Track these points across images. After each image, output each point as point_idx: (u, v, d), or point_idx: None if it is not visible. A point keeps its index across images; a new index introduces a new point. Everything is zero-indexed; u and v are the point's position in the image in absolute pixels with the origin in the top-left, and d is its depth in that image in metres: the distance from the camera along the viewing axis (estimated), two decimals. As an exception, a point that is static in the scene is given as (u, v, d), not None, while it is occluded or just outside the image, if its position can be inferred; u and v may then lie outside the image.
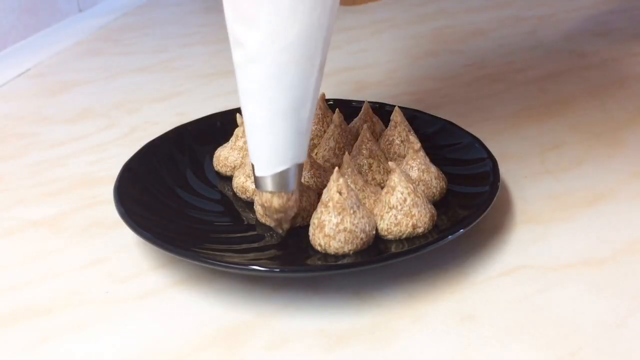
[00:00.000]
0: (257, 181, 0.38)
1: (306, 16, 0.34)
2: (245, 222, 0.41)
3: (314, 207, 0.39)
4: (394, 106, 0.48)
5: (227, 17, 0.35)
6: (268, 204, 0.38)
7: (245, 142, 0.45)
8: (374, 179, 0.43)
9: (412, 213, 0.38)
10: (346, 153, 0.41)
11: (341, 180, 0.37)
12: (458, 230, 0.37)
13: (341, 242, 0.36)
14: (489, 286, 0.36)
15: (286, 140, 0.36)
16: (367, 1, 0.94)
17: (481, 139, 0.46)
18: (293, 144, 0.36)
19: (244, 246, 0.38)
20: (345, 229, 0.36)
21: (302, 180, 0.42)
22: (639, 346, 0.32)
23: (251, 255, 0.37)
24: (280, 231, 0.39)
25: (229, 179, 0.46)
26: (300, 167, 0.38)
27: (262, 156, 0.37)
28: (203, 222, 0.41)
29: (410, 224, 0.38)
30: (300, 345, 0.33)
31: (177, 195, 0.44)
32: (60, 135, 0.58)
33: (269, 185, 0.37)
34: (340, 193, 0.37)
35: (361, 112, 0.48)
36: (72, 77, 0.73)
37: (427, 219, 0.38)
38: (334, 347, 0.33)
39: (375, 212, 0.39)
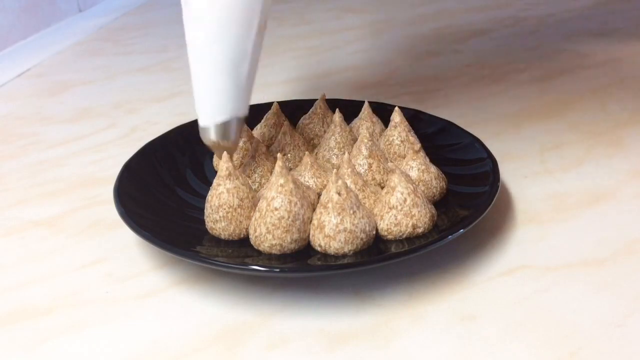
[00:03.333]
0: (201, 132, 0.41)
1: None
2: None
3: (314, 207, 0.39)
4: (394, 106, 0.48)
5: None
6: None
7: (245, 142, 0.45)
8: (374, 179, 0.43)
9: (412, 213, 0.38)
10: (346, 153, 0.41)
11: (340, 181, 0.37)
12: (458, 230, 0.37)
13: (341, 243, 0.36)
14: (489, 286, 0.36)
15: (226, 93, 0.40)
16: None
17: (481, 139, 0.46)
18: (233, 97, 0.40)
19: (244, 246, 0.38)
20: (345, 229, 0.36)
21: (302, 180, 0.42)
22: (639, 346, 0.32)
23: (251, 255, 0.37)
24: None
25: (229, 179, 0.46)
26: (240, 121, 0.41)
27: (205, 107, 0.40)
28: (203, 222, 0.41)
29: (410, 224, 0.38)
30: (300, 345, 0.33)
31: (177, 195, 0.44)
32: (60, 135, 0.58)
33: (212, 135, 0.40)
34: (339, 194, 0.37)
35: (361, 112, 0.48)
36: (72, 77, 0.73)
37: (427, 219, 0.38)
38: (334, 347, 0.33)
39: (375, 212, 0.39)
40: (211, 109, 0.40)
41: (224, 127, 0.40)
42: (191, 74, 0.40)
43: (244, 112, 0.41)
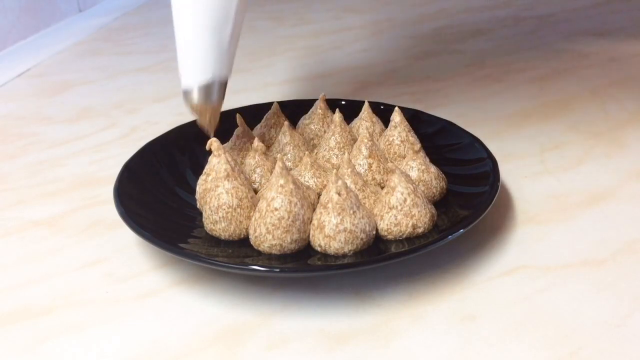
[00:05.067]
0: (184, 96, 0.42)
1: None
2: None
3: (314, 207, 0.39)
4: (394, 106, 0.48)
5: None
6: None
7: (245, 142, 0.45)
8: (374, 179, 0.43)
9: (412, 213, 0.38)
10: (346, 153, 0.41)
11: (340, 181, 0.37)
12: (458, 230, 0.37)
13: (341, 243, 0.36)
14: (489, 286, 0.36)
15: (208, 55, 0.41)
16: None
17: (481, 139, 0.46)
18: (215, 58, 0.41)
19: (244, 246, 0.38)
20: (345, 229, 0.36)
21: (302, 180, 0.42)
22: (639, 346, 0.32)
23: (251, 255, 0.37)
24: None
25: (229, 179, 0.46)
26: (222, 84, 0.42)
27: (188, 69, 0.42)
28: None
29: (410, 224, 0.38)
30: (300, 345, 0.33)
31: (177, 195, 0.44)
32: (60, 135, 0.58)
33: (195, 97, 0.42)
34: (339, 194, 0.37)
35: (361, 112, 0.48)
36: (72, 77, 0.73)
37: (427, 219, 0.38)
38: (334, 347, 0.33)
39: (375, 212, 0.39)
40: (194, 70, 0.41)
41: (206, 89, 0.41)
42: (175, 37, 0.42)
43: (226, 74, 0.42)
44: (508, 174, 0.47)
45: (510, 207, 0.43)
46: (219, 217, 0.38)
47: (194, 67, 0.41)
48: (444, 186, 0.42)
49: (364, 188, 0.40)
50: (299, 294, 0.36)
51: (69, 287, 0.38)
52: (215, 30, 0.41)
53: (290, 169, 0.44)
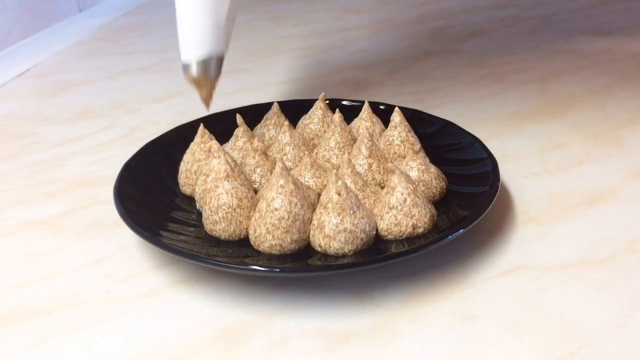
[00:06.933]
0: (184, 69, 0.45)
1: None
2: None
3: (314, 207, 0.39)
4: (394, 106, 0.48)
5: None
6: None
7: (245, 142, 0.45)
8: (374, 179, 0.43)
9: (412, 213, 0.38)
10: (346, 153, 0.41)
11: (340, 182, 0.37)
12: (458, 230, 0.37)
13: (341, 243, 0.36)
14: (489, 286, 0.36)
15: (206, 32, 0.44)
16: None
17: (481, 139, 0.46)
18: (213, 34, 0.44)
19: (244, 246, 0.38)
20: (345, 230, 0.36)
21: (302, 180, 0.42)
22: (639, 346, 0.32)
23: (251, 255, 0.37)
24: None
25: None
26: (219, 60, 0.46)
27: (187, 43, 0.45)
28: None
29: (410, 224, 0.38)
30: (300, 345, 0.33)
31: (177, 195, 0.44)
32: (60, 135, 0.58)
33: (194, 70, 0.45)
34: (339, 194, 0.37)
35: (361, 112, 0.48)
36: (72, 77, 0.73)
37: (427, 219, 0.38)
38: (334, 347, 0.33)
39: (375, 212, 0.39)
40: (194, 45, 0.45)
41: (204, 64, 0.45)
42: (176, 15, 0.45)
43: (223, 50, 0.46)
44: (508, 174, 0.47)
45: (510, 207, 0.43)
46: (219, 218, 0.38)
47: (193, 42, 0.44)
48: (444, 186, 0.42)
49: (364, 188, 0.40)
50: (299, 294, 0.36)
51: (69, 287, 0.38)
52: (213, 9, 0.44)
53: (290, 169, 0.44)
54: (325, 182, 0.42)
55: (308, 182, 0.42)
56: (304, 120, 0.49)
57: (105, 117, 0.61)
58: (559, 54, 0.72)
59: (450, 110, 0.58)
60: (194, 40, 0.45)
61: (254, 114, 0.50)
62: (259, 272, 0.35)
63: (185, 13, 0.44)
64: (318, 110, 0.49)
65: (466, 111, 0.58)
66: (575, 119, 0.56)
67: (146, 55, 0.79)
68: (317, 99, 0.50)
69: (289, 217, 0.36)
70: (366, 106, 0.48)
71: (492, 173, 0.42)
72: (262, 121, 0.50)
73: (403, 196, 0.38)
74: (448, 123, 0.49)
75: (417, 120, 0.49)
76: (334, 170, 0.38)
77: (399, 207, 0.38)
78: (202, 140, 0.44)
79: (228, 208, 0.38)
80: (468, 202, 0.40)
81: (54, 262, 0.40)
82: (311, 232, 0.38)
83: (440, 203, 0.41)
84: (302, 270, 0.37)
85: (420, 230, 0.38)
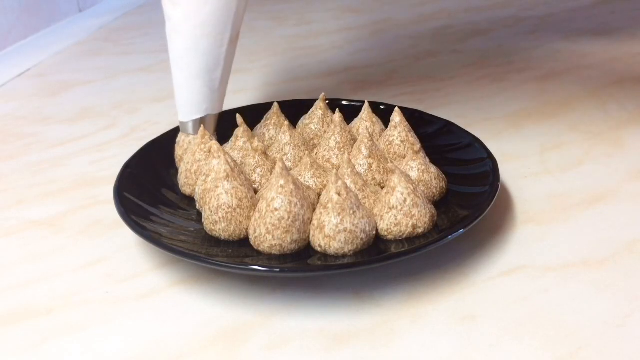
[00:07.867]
0: (181, 125, 0.47)
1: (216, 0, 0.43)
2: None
3: (314, 207, 0.39)
4: (394, 106, 0.48)
5: None
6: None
7: (245, 142, 0.45)
8: (374, 179, 0.43)
9: (412, 213, 0.38)
10: (346, 153, 0.41)
11: (340, 182, 0.37)
12: (458, 230, 0.37)
13: (341, 243, 0.36)
14: (489, 286, 0.36)
15: (201, 96, 0.46)
16: None
17: (481, 139, 0.46)
18: (207, 98, 0.46)
19: (244, 246, 0.38)
20: (345, 230, 0.36)
21: (302, 180, 0.42)
22: (639, 346, 0.32)
23: (251, 255, 0.37)
24: None
25: (229, 179, 0.45)
26: (214, 117, 0.47)
27: (184, 106, 0.47)
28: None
29: (410, 224, 0.38)
30: (300, 345, 0.33)
31: (177, 195, 0.44)
32: (60, 135, 0.58)
33: (190, 129, 0.47)
34: (339, 194, 0.37)
35: (361, 112, 0.48)
36: (72, 77, 0.73)
37: (427, 219, 0.38)
38: (334, 347, 0.33)
39: (375, 212, 0.39)
40: (189, 108, 0.46)
41: (199, 123, 0.46)
42: (172, 78, 0.46)
43: (217, 109, 0.48)
44: (508, 174, 0.47)
45: (510, 207, 0.43)
46: (219, 218, 0.38)
47: (189, 106, 0.46)
48: (444, 186, 0.42)
49: (364, 188, 0.40)
50: (299, 294, 0.36)
51: (69, 287, 0.38)
52: (207, 75, 0.45)
53: (290, 169, 0.44)
54: (325, 182, 0.42)
55: (308, 182, 0.42)
56: (304, 120, 0.49)
57: (105, 117, 0.61)
58: (559, 54, 0.72)
59: (450, 110, 0.58)
60: (190, 103, 0.46)
61: (254, 114, 0.50)
62: (259, 272, 0.35)
63: (181, 77, 0.46)
64: (318, 110, 0.49)
65: (466, 111, 0.58)
66: (575, 119, 0.56)
67: (146, 55, 0.79)
68: (317, 99, 0.50)
69: (289, 217, 0.36)
70: (366, 106, 0.48)
71: (492, 173, 0.42)
72: (262, 121, 0.50)
73: (403, 196, 0.38)
74: (448, 123, 0.49)
75: (417, 120, 0.49)
76: (334, 170, 0.38)
77: (399, 207, 0.38)
78: (203, 140, 0.44)
79: (228, 208, 0.38)
80: (468, 202, 0.40)
81: (54, 262, 0.40)
82: (311, 232, 0.38)
83: (440, 203, 0.41)
84: (302, 270, 0.37)
85: (420, 230, 0.38)
